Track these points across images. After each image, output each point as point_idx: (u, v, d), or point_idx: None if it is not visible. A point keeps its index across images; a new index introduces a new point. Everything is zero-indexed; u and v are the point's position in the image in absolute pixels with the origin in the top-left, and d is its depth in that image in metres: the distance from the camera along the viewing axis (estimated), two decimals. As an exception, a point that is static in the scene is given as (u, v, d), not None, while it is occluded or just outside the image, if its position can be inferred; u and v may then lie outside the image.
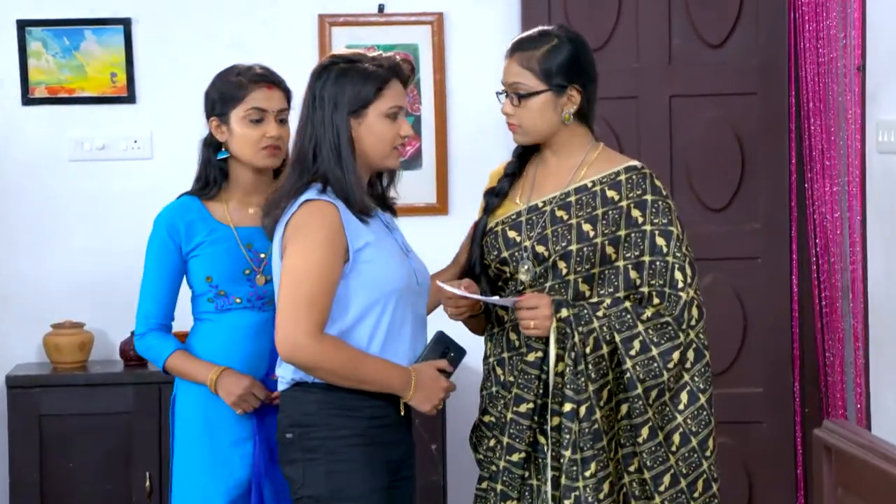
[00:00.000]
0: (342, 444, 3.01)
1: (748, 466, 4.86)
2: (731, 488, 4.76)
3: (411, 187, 4.78)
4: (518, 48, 3.11)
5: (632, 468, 3.03)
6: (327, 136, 3.04)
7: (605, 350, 3.00)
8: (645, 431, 3.01)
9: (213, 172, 3.39)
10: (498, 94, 3.13)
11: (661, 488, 3.02)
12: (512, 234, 3.13)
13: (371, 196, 3.14)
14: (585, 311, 3.01)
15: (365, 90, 3.04)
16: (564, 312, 3.00)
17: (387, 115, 3.06)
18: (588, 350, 2.99)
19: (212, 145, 3.40)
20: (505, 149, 4.91)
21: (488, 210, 3.21)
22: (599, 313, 3.00)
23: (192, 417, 3.37)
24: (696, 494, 3.04)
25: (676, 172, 4.85)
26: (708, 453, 3.04)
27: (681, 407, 3.02)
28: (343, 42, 4.77)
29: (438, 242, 4.41)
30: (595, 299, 3.04)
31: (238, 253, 3.34)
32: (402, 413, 3.07)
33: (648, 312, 3.00)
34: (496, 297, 3.09)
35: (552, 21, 4.71)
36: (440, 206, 4.89)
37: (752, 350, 4.86)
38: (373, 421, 3.03)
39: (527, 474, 3.10)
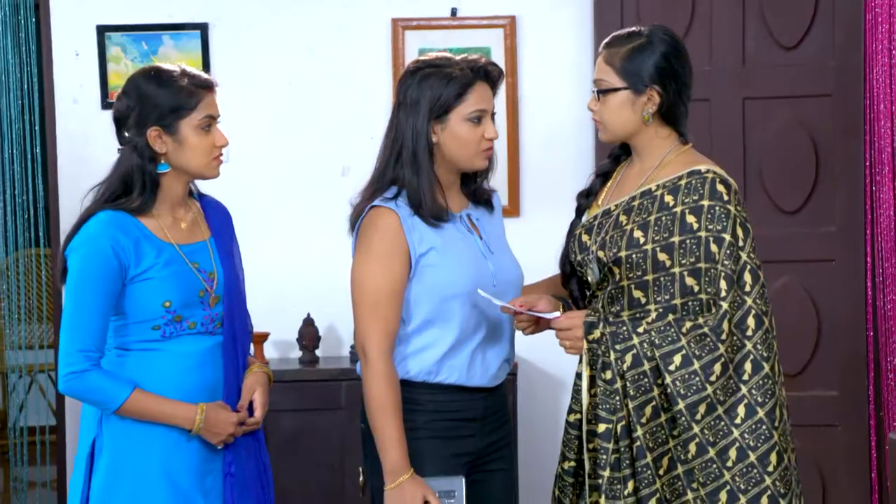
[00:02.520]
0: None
1: (822, 470, 4.84)
2: (805, 492, 4.71)
3: (483, 190, 4.82)
4: (607, 45, 3.11)
5: (695, 485, 2.96)
6: (408, 140, 3.07)
7: (646, 367, 2.94)
8: (693, 447, 2.94)
9: (149, 184, 3.06)
10: (592, 91, 3.13)
11: None
12: (585, 237, 3.13)
13: (465, 193, 3.19)
14: (624, 328, 2.97)
15: (446, 95, 3.06)
16: (596, 333, 2.98)
17: (469, 118, 3.08)
18: (625, 367, 2.95)
19: (146, 155, 3.06)
20: (577, 151, 4.95)
21: (580, 211, 3.21)
22: (640, 329, 2.96)
23: (141, 464, 3.03)
24: None
25: (750, 175, 4.83)
26: (770, 468, 2.93)
27: (737, 421, 2.94)
28: (416, 46, 4.80)
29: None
30: (650, 308, 3.00)
31: (191, 274, 3.08)
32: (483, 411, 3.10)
33: (689, 324, 2.94)
34: (556, 314, 3.08)
35: (624, 24, 4.71)
36: (512, 209, 4.91)
37: (826, 353, 4.83)
38: (436, 414, 3.07)
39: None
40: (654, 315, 2.98)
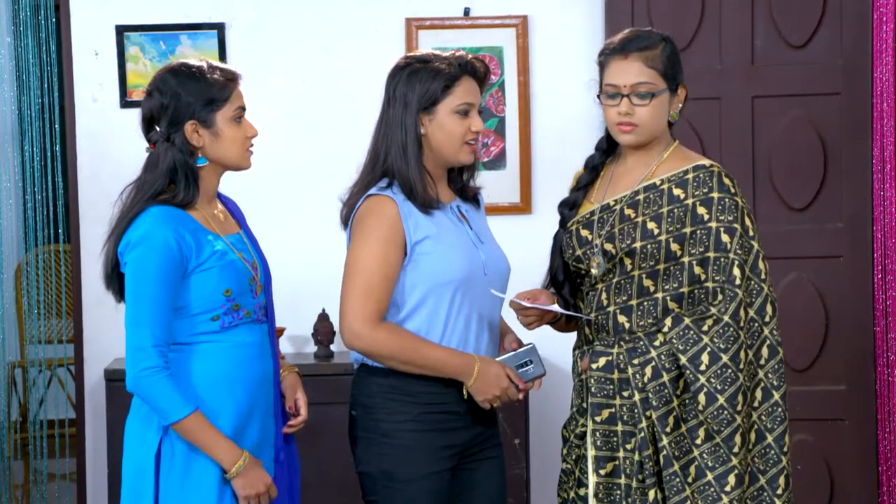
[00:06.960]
0: (397, 428, 3.13)
1: (830, 464, 4.87)
2: (813, 485, 4.78)
3: (495, 187, 4.84)
4: (638, 48, 3.11)
5: (728, 487, 3.00)
6: (397, 133, 3.15)
7: (665, 378, 3.02)
8: (738, 439, 3.00)
9: (192, 178, 3.08)
10: (598, 95, 3.16)
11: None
12: (584, 232, 3.19)
13: (453, 189, 3.26)
14: (641, 343, 3.05)
15: (434, 87, 3.14)
16: (602, 361, 3.07)
17: (456, 111, 3.16)
18: (646, 380, 3.02)
19: (185, 150, 3.07)
20: (589, 149, 4.95)
21: (563, 222, 3.27)
22: (657, 343, 3.03)
23: (210, 466, 3.05)
24: (779, 491, 3.03)
25: (759, 172, 4.87)
26: (785, 449, 3.04)
27: (755, 404, 3.04)
28: (429, 45, 4.84)
29: (522, 241, 4.46)
30: (658, 296, 3.07)
31: (240, 262, 3.11)
32: (466, 398, 3.15)
33: (709, 321, 3.01)
34: (554, 306, 3.16)
35: (635, 24, 4.76)
36: (524, 206, 4.96)
37: (834, 348, 4.88)
38: (429, 407, 3.13)
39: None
40: (669, 323, 3.03)
